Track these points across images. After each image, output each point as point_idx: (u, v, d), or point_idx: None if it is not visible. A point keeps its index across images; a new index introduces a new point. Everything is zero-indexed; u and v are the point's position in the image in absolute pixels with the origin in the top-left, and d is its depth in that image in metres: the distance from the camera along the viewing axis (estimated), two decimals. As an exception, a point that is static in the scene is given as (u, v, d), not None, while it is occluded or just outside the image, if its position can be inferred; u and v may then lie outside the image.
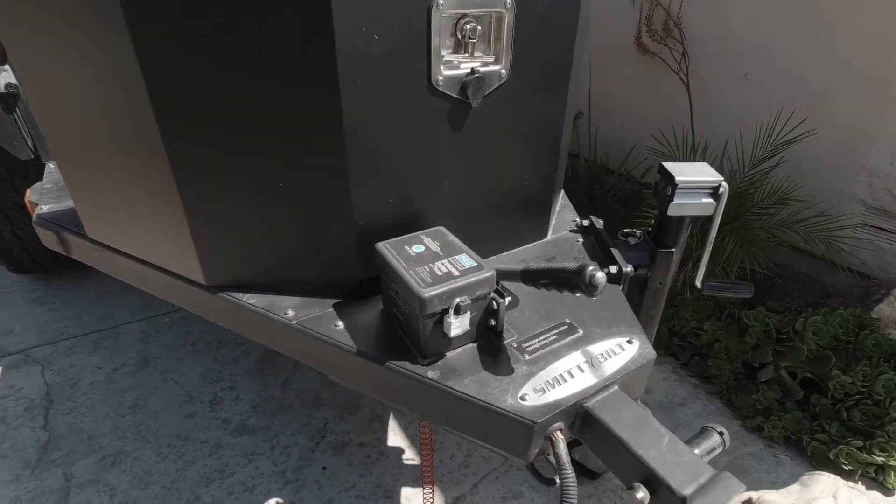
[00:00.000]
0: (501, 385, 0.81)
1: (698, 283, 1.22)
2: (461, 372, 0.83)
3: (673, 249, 1.13)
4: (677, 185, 1.04)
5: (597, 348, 0.89)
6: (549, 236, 1.25)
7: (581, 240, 1.24)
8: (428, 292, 0.78)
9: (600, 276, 0.73)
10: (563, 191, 1.48)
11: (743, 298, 2.29)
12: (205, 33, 0.77)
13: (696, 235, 2.22)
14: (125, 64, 0.81)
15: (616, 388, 0.84)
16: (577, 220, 1.31)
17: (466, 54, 0.88)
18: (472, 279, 0.81)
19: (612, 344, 0.91)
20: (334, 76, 0.77)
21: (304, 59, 0.77)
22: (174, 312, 2.42)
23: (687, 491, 0.69)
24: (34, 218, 1.29)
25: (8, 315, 2.41)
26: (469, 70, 0.88)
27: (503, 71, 0.93)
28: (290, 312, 0.95)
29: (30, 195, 1.40)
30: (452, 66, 0.88)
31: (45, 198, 1.36)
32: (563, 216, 1.36)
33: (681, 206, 1.06)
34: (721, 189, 1.06)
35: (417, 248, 0.89)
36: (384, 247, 0.89)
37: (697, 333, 2.19)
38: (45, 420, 1.89)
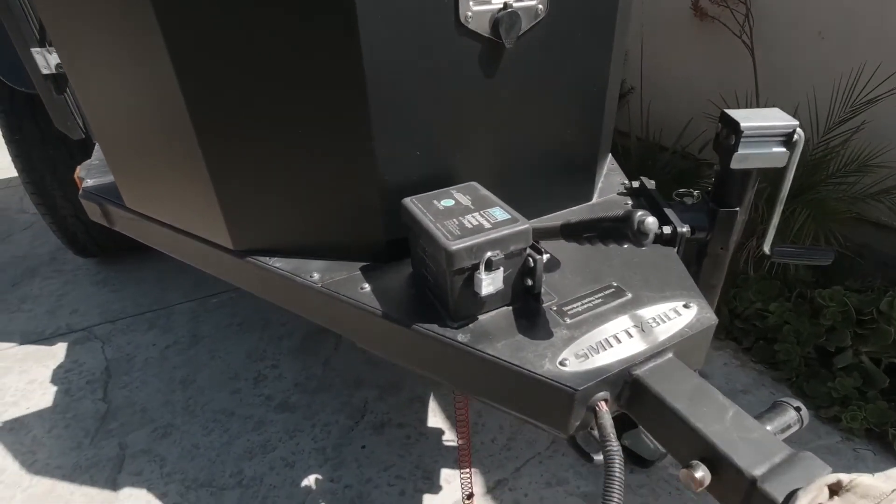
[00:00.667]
0: (539, 350, 0.73)
1: (766, 249, 1.08)
2: (494, 335, 0.76)
3: (737, 209, 1.01)
4: (742, 132, 0.91)
5: (648, 312, 0.80)
6: (596, 199, 1.15)
7: (630, 202, 1.13)
8: (455, 245, 0.71)
9: (651, 220, 0.63)
10: (610, 155, 1.37)
11: (817, 270, 2.08)
12: (230, 19, 0.74)
13: (762, 207, 2.02)
14: (153, 45, 0.80)
15: (671, 355, 0.74)
16: (627, 181, 1.20)
17: (498, -13, 0.80)
18: (504, 232, 0.74)
19: (665, 308, 0.80)
20: (353, 13, 0.71)
21: (323, 7, 0.72)
22: (222, 293, 2.48)
23: (758, 471, 0.59)
24: (80, 191, 1.32)
25: (75, 296, 2.56)
26: (501, 5, 0.80)
27: (540, 6, 0.84)
28: (316, 275, 0.91)
29: (79, 171, 1.44)
30: (483, 0, 0.80)
31: (91, 173, 1.39)
32: (611, 179, 1.25)
33: (746, 157, 0.93)
34: (796, 136, 0.92)
35: (447, 203, 0.82)
36: (411, 201, 0.83)
37: (763, 315, 2.00)
38: (104, 393, 1.98)
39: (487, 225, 0.75)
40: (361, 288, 0.88)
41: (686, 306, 0.81)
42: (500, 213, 0.78)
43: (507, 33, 0.81)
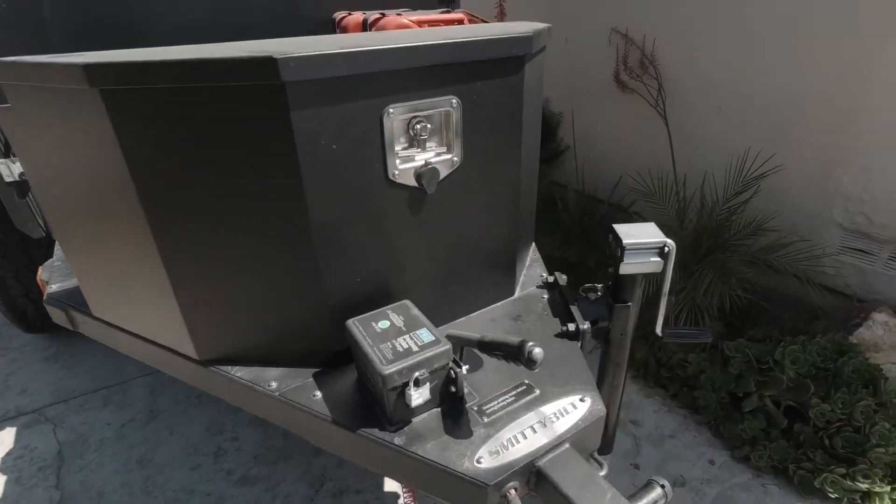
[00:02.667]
0: (460, 448, 0.89)
1: (658, 331, 1.29)
2: (425, 437, 0.92)
3: (629, 304, 1.22)
4: (625, 247, 1.13)
5: (550, 408, 0.98)
6: (518, 293, 1.35)
7: (546, 296, 1.33)
8: (388, 369, 0.87)
9: (538, 352, 0.82)
10: (533, 244, 1.58)
11: (731, 320, 2.36)
12: (192, 162, 0.90)
13: (677, 271, 2.30)
14: (118, 170, 0.93)
15: (567, 445, 0.92)
16: (544, 275, 1.40)
17: (419, 149, 0.99)
18: (428, 354, 0.90)
19: (565, 403, 0.99)
20: (299, 184, 0.88)
21: (273, 170, 0.89)
22: (180, 365, 2.52)
23: (623, 544, 0.76)
24: (45, 297, 1.40)
25: (24, 375, 2.53)
26: (423, 162, 0.99)
27: (455, 158, 1.04)
28: (274, 384, 1.05)
29: (41, 273, 1.52)
30: (408, 159, 0.99)
31: (54, 276, 1.48)
32: (533, 271, 1.45)
33: (630, 265, 1.15)
34: (667, 249, 1.15)
35: (383, 324, 0.98)
36: (353, 324, 0.99)
37: (684, 365, 2.24)
38: (58, 479, 1.98)
39: (415, 348, 0.91)
40: (314, 395, 1.02)
41: (582, 400, 0.99)
42: (426, 334, 0.95)
43: (428, 184, 1.00)
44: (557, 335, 1.18)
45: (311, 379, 1.06)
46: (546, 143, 4.18)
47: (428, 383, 0.91)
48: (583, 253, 3.27)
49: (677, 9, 2.99)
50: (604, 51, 3.40)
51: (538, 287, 1.37)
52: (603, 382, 1.37)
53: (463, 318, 1.24)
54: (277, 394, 1.03)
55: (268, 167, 0.89)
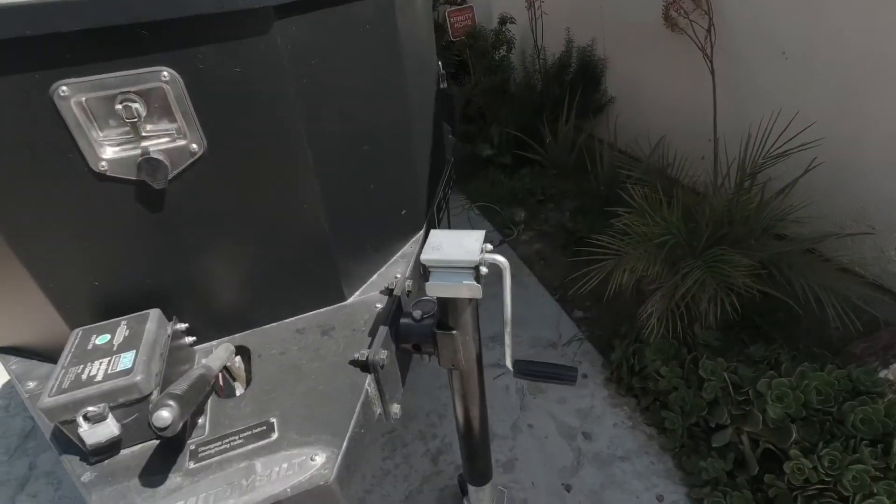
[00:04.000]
0: (138, 501, 0.76)
1: (508, 365, 1.03)
2: (114, 478, 0.80)
3: (454, 332, 0.96)
4: (425, 264, 0.88)
5: (273, 461, 0.80)
6: (353, 298, 1.14)
7: (379, 305, 1.11)
8: (48, 401, 0.75)
9: (159, 416, 0.64)
10: (420, 235, 1.33)
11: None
12: None
13: (665, 269, 1.88)
14: None
15: (262, 516, 0.75)
16: (399, 276, 1.17)
17: (133, 135, 0.81)
18: (108, 385, 0.76)
19: (297, 457, 0.80)
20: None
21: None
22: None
23: None
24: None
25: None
26: (140, 152, 0.81)
27: (194, 145, 0.84)
28: (32, 384, 0.98)
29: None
30: (125, 148, 0.81)
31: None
32: (395, 269, 1.22)
33: (438, 287, 0.89)
34: (484, 270, 0.87)
35: (102, 339, 0.85)
36: (75, 335, 0.87)
37: (657, 377, 1.88)
38: (34, 411, 2.20)
39: (100, 377, 0.78)
40: (51, 402, 0.93)
41: (312, 459, 0.80)
42: (127, 360, 0.80)
43: (152, 177, 0.82)
44: (352, 362, 0.97)
45: (68, 383, 0.98)
46: (588, 94, 3.66)
47: (110, 418, 0.77)
48: (595, 227, 2.85)
49: (734, -78, 2.33)
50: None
51: (381, 292, 1.15)
52: (456, 415, 1.15)
53: (272, 325, 1.08)
54: (27, 395, 0.96)
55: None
